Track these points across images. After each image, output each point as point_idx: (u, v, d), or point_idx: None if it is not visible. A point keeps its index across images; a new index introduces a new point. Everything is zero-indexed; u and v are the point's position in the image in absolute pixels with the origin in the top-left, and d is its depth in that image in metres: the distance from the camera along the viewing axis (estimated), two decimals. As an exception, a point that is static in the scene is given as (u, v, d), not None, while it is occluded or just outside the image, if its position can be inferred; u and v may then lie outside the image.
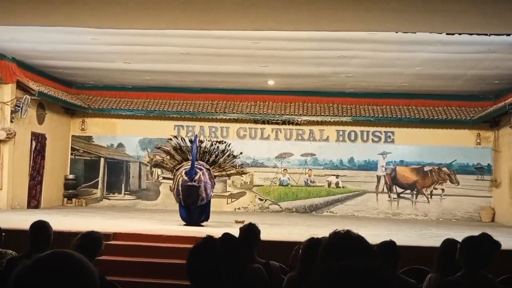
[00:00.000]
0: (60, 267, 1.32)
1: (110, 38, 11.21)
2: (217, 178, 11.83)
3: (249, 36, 10.59)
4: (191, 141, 11.29)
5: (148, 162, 13.27)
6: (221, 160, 11.50)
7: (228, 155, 11.64)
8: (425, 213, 16.11)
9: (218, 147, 11.54)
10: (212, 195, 11.17)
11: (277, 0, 7.47)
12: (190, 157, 10.99)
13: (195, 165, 10.56)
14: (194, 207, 10.65)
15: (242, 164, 12.46)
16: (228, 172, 11.90)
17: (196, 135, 11.32)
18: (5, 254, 5.05)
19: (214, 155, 11.43)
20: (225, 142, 12.12)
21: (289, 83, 15.45)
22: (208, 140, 11.90)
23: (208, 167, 11.06)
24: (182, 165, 10.94)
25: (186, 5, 7.75)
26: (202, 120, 16.39)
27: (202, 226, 10.68)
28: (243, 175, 13.36)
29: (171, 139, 11.75)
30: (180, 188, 10.47)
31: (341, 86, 15.58)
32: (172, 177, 11.92)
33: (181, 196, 10.53)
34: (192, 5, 7.73)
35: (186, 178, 10.43)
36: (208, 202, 10.97)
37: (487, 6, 7.48)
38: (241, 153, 12.40)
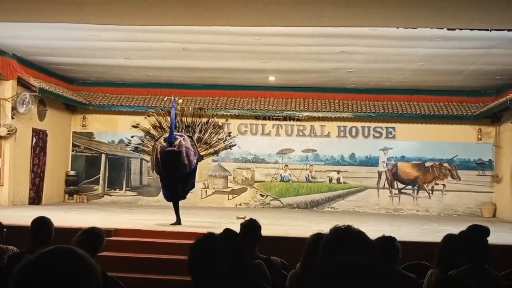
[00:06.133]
0: (62, 263, 1.33)
1: (110, 34, 11.20)
2: (205, 157, 10.95)
3: (250, 32, 10.57)
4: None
5: (126, 144, 12.34)
6: (207, 135, 10.55)
7: (214, 127, 10.71)
8: (426, 208, 16.10)
9: (200, 115, 10.66)
10: (195, 162, 10.05)
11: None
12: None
13: (174, 133, 9.59)
14: (177, 178, 9.68)
15: (230, 133, 11.45)
16: (216, 148, 10.86)
17: (174, 98, 10.13)
18: (6, 250, 5.05)
19: (198, 130, 10.51)
20: (207, 109, 11.47)
21: (290, 79, 15.43)
22: (193, 107, 11.09)
23: (189, 135, 10.16)
24: (161, 136, 9.99)
25: (187, 1, 7.74)
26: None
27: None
28: (232, 148, 11.61)
29: (149, 116, 10.78)
30: (159, 156, 9.39)
31: (342, 82, 15.57)
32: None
33: (160, 165, 9.47)
34: (193, 1, 7.72)
35: (165, 144, 9.43)
36: (193, 172, 10.13)
37: (487, 1, 7.47)
38: (226, 120, 11.92)
